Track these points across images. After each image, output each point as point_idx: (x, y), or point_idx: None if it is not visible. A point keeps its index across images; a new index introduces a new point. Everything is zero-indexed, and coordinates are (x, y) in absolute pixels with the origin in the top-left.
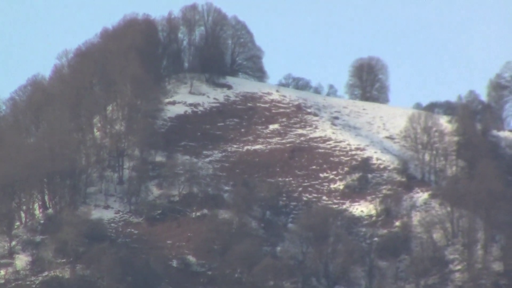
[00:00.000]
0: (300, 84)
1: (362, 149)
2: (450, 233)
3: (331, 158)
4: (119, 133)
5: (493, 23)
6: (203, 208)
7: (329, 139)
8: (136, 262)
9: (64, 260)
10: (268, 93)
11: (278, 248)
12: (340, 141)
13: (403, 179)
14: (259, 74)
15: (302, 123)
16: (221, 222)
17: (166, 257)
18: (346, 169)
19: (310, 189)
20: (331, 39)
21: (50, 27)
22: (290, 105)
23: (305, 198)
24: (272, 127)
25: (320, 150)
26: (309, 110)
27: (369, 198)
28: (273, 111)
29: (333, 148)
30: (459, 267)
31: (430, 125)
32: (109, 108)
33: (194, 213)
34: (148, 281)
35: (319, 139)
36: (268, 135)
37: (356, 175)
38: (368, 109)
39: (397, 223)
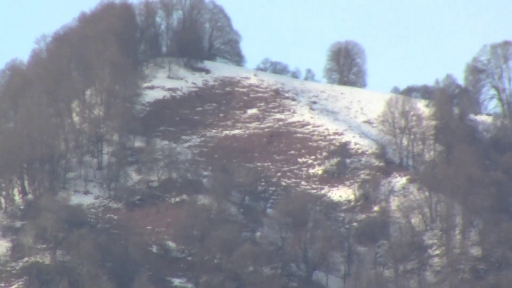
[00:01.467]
0: (278, 69)
1: (340, 134)
2: (428, 218)
3: (309, 143)
4: (97, 118)
5: (470, 6)
6: (182, 193)
7: (307, 124)
8: (115, 248)
9: (44, 246)
10: (246, 78)
11: (258, 234)
12: (318, 126)
13: (381, 164)
14: (237, 58)
15: (280, 108)
16: (200, 208)
17: (146, 243)
18: (324, 154)
19: (288, 174)
20: (308, 23)
21: (28, 11)
22: (268, 89)
23: (283, 183)
24: (250, 111)
25: (298, 135)
26: (287, 95)
27: (347, 183)
28: (251, 95)
29: (311, 133)
30: (437, 252)
31: (407, 109)
32: (88, 93)
33: (173, 199)
34: (127, 266)
35: (297, 123)
36: (247, 120)
37: (334, 160)
38: (345, 94)
39: (376, 208)
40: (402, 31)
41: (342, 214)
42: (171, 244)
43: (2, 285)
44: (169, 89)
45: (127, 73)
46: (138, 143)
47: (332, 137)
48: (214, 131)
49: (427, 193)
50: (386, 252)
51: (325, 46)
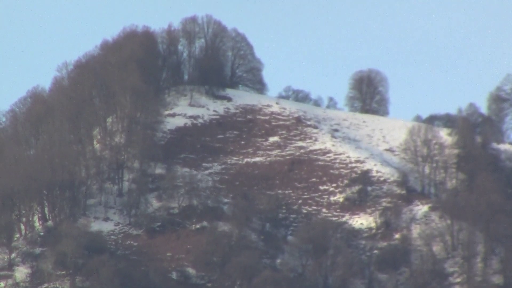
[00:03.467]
0: (299, 97)
1: (362, 162)
2: (450, 246)
3: (331, 171)
4: (118, 145)
5: (493, 35)
6: (203, 220)
7: (329, 152)
8: (135, 274)
9: (63, 272)
10: (268, 105)
11: (278, 261)
12: (340, 154)
13: (403, 192)
14: (259, 86)
15: (302, 136)
16: (220, 235)
17: (166, 269)
18: (345, 181)
19: (309, 201)
20: (330, 51)
21: (50, 39)
22: (290, 117)
23: (304, 211)
24: (271, 139)
25: (319, 163)
26: (308, 123)
27: (368, 210)
28: (273, 123)
29: (333, 161)
30: (459, 280)
31: (430, 137)
32: (109, 120)
33: (193, 226)
34: None
35: (318, 151)
36: (268, 147)
37: (355, 188)
38: (368, 122)
39: (397, 236)
40: (425, 59)
41: (363, 242)
42: (191, 270)
43: None
44: (191, 117)
45: (148, 100)
46: (159, 170)
47: (353, 165)
48: (235, 158)
49: (448, 221)
50: (407, 280)
51: (348, 74)
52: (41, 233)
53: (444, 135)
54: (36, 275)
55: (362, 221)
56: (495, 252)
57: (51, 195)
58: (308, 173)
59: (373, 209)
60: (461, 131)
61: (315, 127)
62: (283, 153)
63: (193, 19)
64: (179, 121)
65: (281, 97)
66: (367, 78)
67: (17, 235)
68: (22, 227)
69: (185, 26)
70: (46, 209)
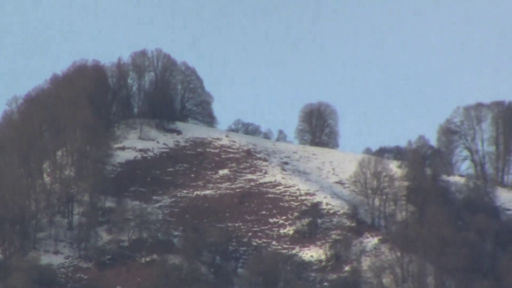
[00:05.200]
0: (249, 130)
1: (312, 194)
2: (400, 278)
3: (281, 203)
4: (68, 179)
5: (443, 67)
6: (153, 253)
7: (279, 184)
8: None
9: None
10: (218, 139)
11: None
12: (290, 186)
13: (353, 224)
14: (209, 119)
15: (252, 168)
16: (171, 267)
17: None
18: (295, 214)
19: (260, 234)
20: (280, 85)
21: None
22: (240, 150)
23: (254, 243)
24: (222, 172)
25: (270, 195)
26: (258, 155)
27: (318, 243)
28: (223, 156)
29: (283, 193)
30: None
31: (379, 170)
32: (59, 153)
33: (143, 258)
34: None
35: (269, 184)
36: (218, 180)
37: (306, 220)
38: (318, 154)
39: (347, 268)
40: (374, 92)
41: (314, 274)
42: None
43: None
44: (140, 150)
45: (98, 134)
46: (109, 203)
47: (303, 197)
48: (185, 191)
49: (398, 253)
50: None
51: (297, 108)
52: None
53: (394, 167)
54: None
55: (312, 253)
56: (445, 285)
57: (1, 229)
58: (258, 205)
59: (323, 241)
60: (411, 164)
61: (265, 160)
62: (233, 186)
63: (143, 53)
64: (129, 155)
65: (231, 130)
66: (317, 111)
67: None
68: None
69: (134, 60)
70: None
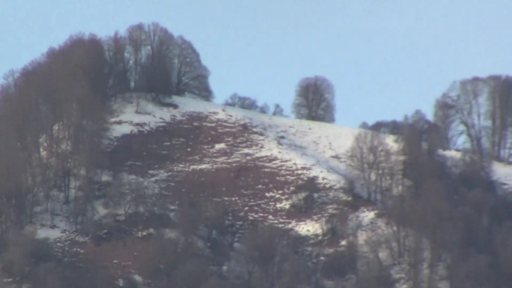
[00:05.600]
0: (246, 104)
1: (308, 169)
2: (396, 253)
3: (277, 178)
4: (65, 153)
5: (439, 42)
6: (149, 227)
7: (275, 159)
8: (82, 282)
9: (10, 279)
10: (214, 113)
11: (224, 268)
12: (286, 161)
13: (349, 199)
14: (205, 93)
15: (248, 143)
16: (167, 242)
17: (112, 277)
18: (292, 188)
19: (256, 208)
20: (277, 59)
21: None
22: (236, 124)
23: (251, 218)
24: (218, 146)
25: (266, 170)
26: (255, 130)
27: (315, 217)
28: (219, 130)
29: (279, 168)
30: (405, 286)
31: (376, 144)
32: (55, 127)
33: (140, 233)
34: None
35: (265, 158)
36: (214, 154)
37: (302, 195)
38: (314, 129)
39: (343, 243)
40: (371, 67)
41: (310, 248)
42: (137, 278)
43: None
44: (137, 124)
45: (95, 108)
46: (105, 178)
47: (300, 172)
48: (181, 165)
49: (395, 228)
50: (353, 286)
51: (294, 82)
52: None
53: (390, 142)
54: None
55: (308, 228)
56: (441, 259)
57: None
58: (255, 180)
59: (319, 216)
60: (407, 138)
61: (261, 134)
62: (230, 160)
63: (140, 27)
64: (125, 129)
65: (227, 104)
66: (314, 85)
67: None
68: None
69: (131, 34)
70: None
